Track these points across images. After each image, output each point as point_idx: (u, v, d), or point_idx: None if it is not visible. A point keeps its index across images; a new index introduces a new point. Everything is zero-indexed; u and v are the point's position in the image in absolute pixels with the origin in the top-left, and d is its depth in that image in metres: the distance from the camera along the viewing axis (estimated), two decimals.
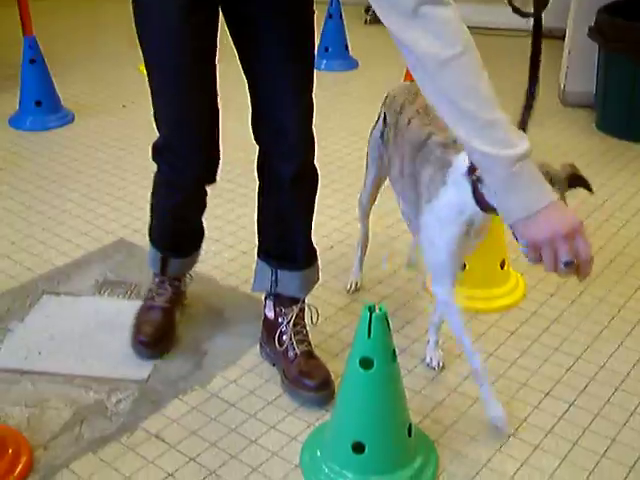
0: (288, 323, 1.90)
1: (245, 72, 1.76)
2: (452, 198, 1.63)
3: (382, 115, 1.99)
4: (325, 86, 3.99)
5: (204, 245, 2.08)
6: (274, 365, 1.93)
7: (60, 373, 1.92)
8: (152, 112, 1.75)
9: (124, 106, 3.71)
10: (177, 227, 2.00)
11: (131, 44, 4.10)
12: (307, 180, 1.86)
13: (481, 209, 1.57)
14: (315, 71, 1.78)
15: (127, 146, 3.25)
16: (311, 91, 1.77)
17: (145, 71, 1.72)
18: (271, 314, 1.94)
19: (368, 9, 5.29)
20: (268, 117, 1.76)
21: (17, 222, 2.63)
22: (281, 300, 1.92)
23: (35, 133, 3.39)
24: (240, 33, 1.72)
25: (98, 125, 3.49)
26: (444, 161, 1.66)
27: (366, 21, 5.30)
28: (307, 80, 1.76)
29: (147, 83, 1.72)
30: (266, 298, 1.97)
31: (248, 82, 1.77)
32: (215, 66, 1.73)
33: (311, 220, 1.91)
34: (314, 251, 1.95)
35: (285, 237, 1.90)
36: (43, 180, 2.94)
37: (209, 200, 1.96)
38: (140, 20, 1.67)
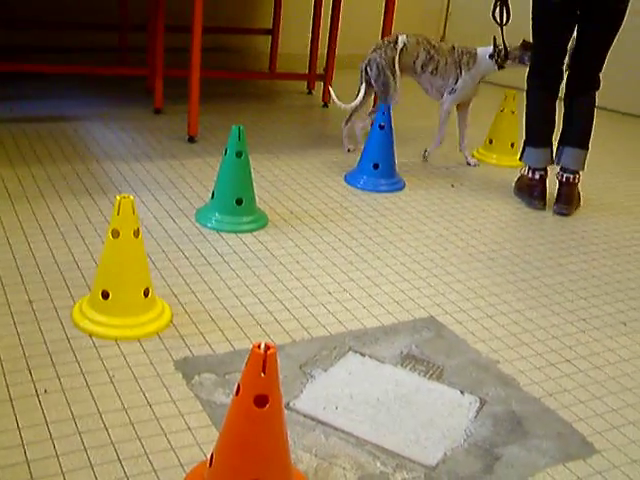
0: None
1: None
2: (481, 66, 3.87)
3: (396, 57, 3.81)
4: None
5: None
6: None
7: (353, 434, 1.93)
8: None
9: (453, 186, 3.77)
10: None
11: (471, 129, 4.16)
12: None
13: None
14: None
15: (450, 226, 3.28)
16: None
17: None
18: None
19: None
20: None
21: (337, 274, 2.74)
22: None
23: (366, 193, 3.54)
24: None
25: (425, 198, 3.57)
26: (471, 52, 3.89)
27: None
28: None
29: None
30: None
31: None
32: None
33: None
34: None
35: None
36: (367, 239, 3.05)
37: None
38: None
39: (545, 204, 3.60)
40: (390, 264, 2.87)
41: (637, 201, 3.86)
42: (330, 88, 3.99)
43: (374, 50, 3.85)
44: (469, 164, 4.09)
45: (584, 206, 3.69)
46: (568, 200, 3.56)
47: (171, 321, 2.32)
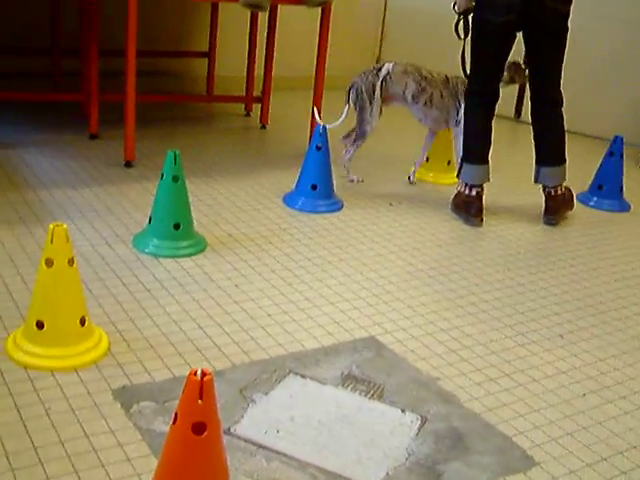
0: None
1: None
2: None
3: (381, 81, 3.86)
4: (591, 225, 3.88)
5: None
6: None
7: (295, 457, 1.92)
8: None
9: (391, 205, 3.80)
10: None
11: (408, 148, 4.25)
12: None
13: None
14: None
15: (390, 245, 3.30)
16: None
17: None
18: None
19: None
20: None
21: (277, 296, 2.74)
22: None
23: (305, 214, 3.55)
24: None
25: (364, 218, 3.59)
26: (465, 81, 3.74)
27: None
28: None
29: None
30: None
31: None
32: None
33: None
34: None
35: None
36: (306, 261, 3.05)
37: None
38: None
39: (482, 220, 3.65)
40: (330, 285, 2.88)
41: (574, 219, 3.92)
42: (315, 109, 4.07)
43: (359, 75, 3.93)
44: (409, 179, 4.15)
45: (521, 222, 3.76)
46: (554, 211, 3.76)
47: (109, 350, 2.29)
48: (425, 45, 6.17)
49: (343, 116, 3.95)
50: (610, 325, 2.81)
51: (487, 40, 3.56)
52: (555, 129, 3.69)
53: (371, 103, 3.85)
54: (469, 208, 3.67)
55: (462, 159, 3.72)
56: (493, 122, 3.69)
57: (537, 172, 3.75)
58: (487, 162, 3.69)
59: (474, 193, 3.67)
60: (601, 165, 4.20)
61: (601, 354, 2.61)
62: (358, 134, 3.94)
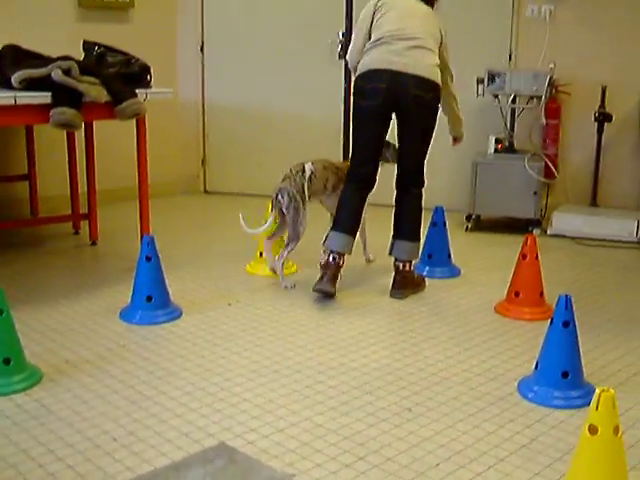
0: None
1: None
2: None
3: (305, 184, 4.00)
4: (425, 294, 4.03)
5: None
6: None
7: None
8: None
9: (230, 304, 3.80)
10: None
11: (239, 244, 4.30)
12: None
13: None
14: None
15: (232, 346, 3.28)
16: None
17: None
18: None
19: (469, 217, 5.41)
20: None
21: (121, 418, 2.64)
22: None
23: (143, 327, 3.47)
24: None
25: (204, 322, 3.56)
26: None
27: (467, 228, 5.40)
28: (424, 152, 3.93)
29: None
30: None
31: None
32: None
33: None
34: None
35: None
36: (149, 375, 2.98)
37: None
38: None
39: (333, 287, 3.79)
40: (175, 396, 2.81)
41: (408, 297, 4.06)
42: (240, 215, 4.00)
43: (283, 180, 4.01)
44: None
45: (362, 302, 3.85)
46: (401, 286, 3.99)
47: None
48: (247, 141, 6.31)
49: (268, 223, 4.05)
50: (454, 390, 2.89)
51: (360, 124, 3.87)
52: (412, 208, 4.00)
53: (304, 204, 3.99)
54: (323, 274, 3.81)
55: (330, 228, 3.93)
56: (366, 206, 4.03)
57: (392, 245, 4.02)
58: (352, 235, 3.91)
59: (331, 259, 3.82)
60: (427, 236, 4.40)
61: (449, 420, 2.67)
62: (292, 237, 4.00)
